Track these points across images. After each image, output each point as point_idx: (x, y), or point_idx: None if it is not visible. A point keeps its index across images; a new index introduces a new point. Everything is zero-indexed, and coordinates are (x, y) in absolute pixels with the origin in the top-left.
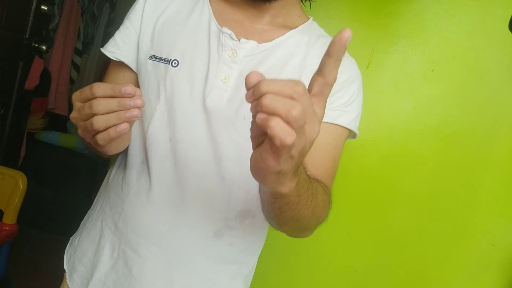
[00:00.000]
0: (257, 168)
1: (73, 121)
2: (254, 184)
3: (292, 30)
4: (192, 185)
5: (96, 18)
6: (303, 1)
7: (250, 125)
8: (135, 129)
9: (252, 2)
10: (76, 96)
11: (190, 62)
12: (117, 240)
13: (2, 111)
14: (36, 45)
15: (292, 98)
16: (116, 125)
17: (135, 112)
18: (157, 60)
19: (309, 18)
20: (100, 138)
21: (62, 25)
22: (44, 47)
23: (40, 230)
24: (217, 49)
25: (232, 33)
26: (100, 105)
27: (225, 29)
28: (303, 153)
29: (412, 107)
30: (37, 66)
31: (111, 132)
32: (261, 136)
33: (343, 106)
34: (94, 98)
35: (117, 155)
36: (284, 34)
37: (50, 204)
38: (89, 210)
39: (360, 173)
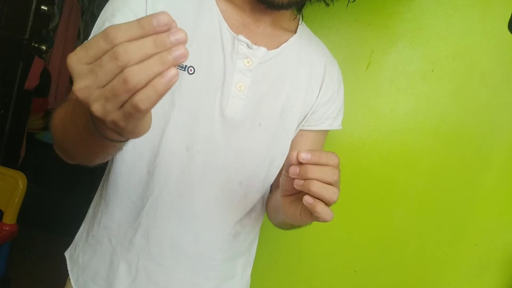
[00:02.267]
0: (294, 218)
1: (81, 95)
2: (264, 186)
3: (294, 35)
4: (212, 194)
5: (96, 18)
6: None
7: (265, 131)
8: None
9: (259, 6)
10: (78, 56)
11: (206, 70)
12: (133, 256)
13: (2, 111)
14: (36, 45)
15: (332, 184)
16: (160, 74)
17: (182, 50)
18: None
19: (299, 19)
20: (144, 98)
21: (62, 25)
22: (44, 47)
23: (40, 230)
24: (231, 56)
25: (249, 41)
26: (130, 50)
27: (242, 37)
28: None
29: (412, 107)
30: (37, 66)
31: (157, 84)
32: (291, 190)
33: (336, 112)
34: (115, 46)
35: (104, 164)
36: (287, 40)
37: (50, 204)
38: (85, 224)
39: (360, 173)
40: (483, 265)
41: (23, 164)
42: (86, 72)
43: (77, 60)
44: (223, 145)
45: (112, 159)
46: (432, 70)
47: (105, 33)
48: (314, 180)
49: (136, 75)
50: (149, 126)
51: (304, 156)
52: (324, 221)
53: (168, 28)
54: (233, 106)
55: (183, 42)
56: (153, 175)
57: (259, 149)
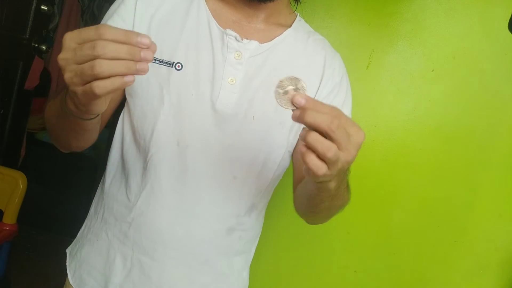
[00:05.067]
0: (307, 172)
1: (61, 63)
2: (261, 181)
3: (288, 29)
4: (205, 188)
5: (96, 18)
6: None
7: (259, 125)
8: (129, 131)
9: (247, 1)
10: (72, 36)
11: (194, 65)
12: (128, 249)
13: (2, 111)
14: (36, 45)
15: (330, 135)
16: (122, 75)
17: (145, 65)
18: (158, 62)
19: (296, 15)
20: (101, 86)
21: (62, 25)
22: (44, 47)
23: (40, 230)
24: (221, 51)
25: (237, 35)
26: (107, 47)
27: (230, 31)
28: (342, 169)
29: (412, 107)
30: (37, 66)
31: (116, 81)
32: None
33: (340, 105)
34: (100, 40)
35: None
36: (281, 33)
37: (50, 204)
38: (87, 221)
39: (360, 173)
40: (483, 265)
41: (23, 164)
42: (71, 48)
43: (70, 37)
44: (215, 139)
45: (111, 152)
46: (432, 70)
47: (98, 27)
48: (313, 132)
49: (102, 66)
50: (102, 109)
51: (298, 99)
52: (314, 174)
53: (146, 47)
54: (224, 99)
55: (150, 61)
56: (146, 170)
57: (254, 143)
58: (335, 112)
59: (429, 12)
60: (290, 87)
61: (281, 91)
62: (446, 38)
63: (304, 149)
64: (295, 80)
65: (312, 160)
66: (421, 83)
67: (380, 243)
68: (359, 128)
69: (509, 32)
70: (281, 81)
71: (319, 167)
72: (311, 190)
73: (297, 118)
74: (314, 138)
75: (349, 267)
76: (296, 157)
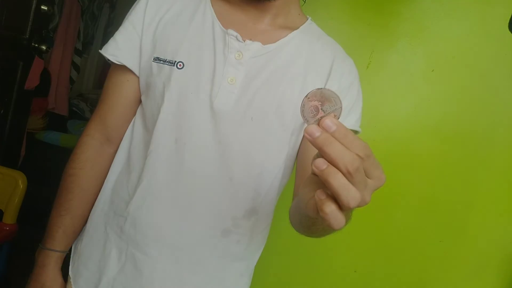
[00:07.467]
0: (301, 204)
1: None
2: (261, 184)
3: (294, 31)
4: (199, 186)
5: (96, 18)
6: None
7: (257, 126)
8: (138, 131)
9: (253, 2)
10: None
11: (195, 64)
12: (124, 243)
13: (2, 111)
14: (36, 45)
15: (346, 178)
16: None
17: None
18: (161, 62)
19: (307, 18)
20: None
21: (62, 25)
22: (44, 47)
23: (40, 230)
24: (223, 51)
25: (238, 35)
26: None
27: (231, 31)
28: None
29: (412, 107)
30: (37, 66)
31: None
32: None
33: (347, 110)
34: None
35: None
36: (287, 35)
37: (50, 204)
38: (91, 214)
39: None
40: (483, 265)
41: (23, 164)
42: None
43: None
44: (212, 138)
45: (120, 149)
46: (432, 70)
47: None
48: (338, 173)
49: None
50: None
51: (327, 124)
52: (330, 227)
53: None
54: (223, 99)
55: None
56: (145, 166)
57: (252, 145)
58: (365, 151)
59: (429, 12)
60: (327, 106)
61: (315, 104)
62: (446, 38)
63: (323, 195)
64: (335, 99)
65: (333, 212)
66: (421, 83)
67: (380, 243)
68: (382, 172)
69: (509, 32)
70: (321, 91)
71: (340, 222)
72: (306, 215)
73: (313, 138)
74: (342, 183)
75: (349, 267)
76: (300, 160)
